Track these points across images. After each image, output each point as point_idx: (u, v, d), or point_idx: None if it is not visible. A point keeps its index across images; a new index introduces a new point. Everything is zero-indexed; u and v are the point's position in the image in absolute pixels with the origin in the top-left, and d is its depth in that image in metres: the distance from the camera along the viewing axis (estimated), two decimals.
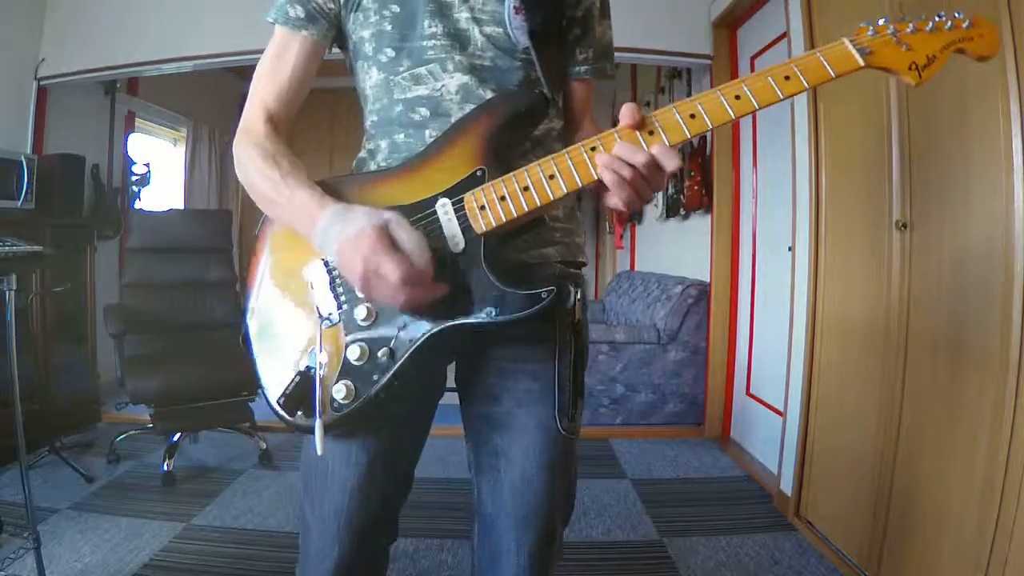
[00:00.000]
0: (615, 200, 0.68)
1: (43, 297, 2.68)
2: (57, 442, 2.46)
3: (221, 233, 3.01)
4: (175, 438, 2.40)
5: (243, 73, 5.01)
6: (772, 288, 2.58)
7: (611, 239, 4.97)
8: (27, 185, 2.62)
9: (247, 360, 0.79)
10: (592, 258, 5.59)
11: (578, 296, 0.82)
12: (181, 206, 4.59)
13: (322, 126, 4.92)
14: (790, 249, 2.21)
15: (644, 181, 0.66)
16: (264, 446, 2.55)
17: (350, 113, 4.64)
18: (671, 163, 0.65)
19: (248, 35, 2.65)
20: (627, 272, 4.39)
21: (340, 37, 0.84)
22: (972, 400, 1.31)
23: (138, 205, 3.92)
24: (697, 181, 3.04)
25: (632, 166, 0.66)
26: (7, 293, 1.54)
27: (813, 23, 1.98)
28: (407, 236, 0.67)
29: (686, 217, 3.40)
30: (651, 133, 0.67)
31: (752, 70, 2.73)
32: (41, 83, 2.96)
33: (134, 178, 3.87)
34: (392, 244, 0.66)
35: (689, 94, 3.23)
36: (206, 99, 4.87)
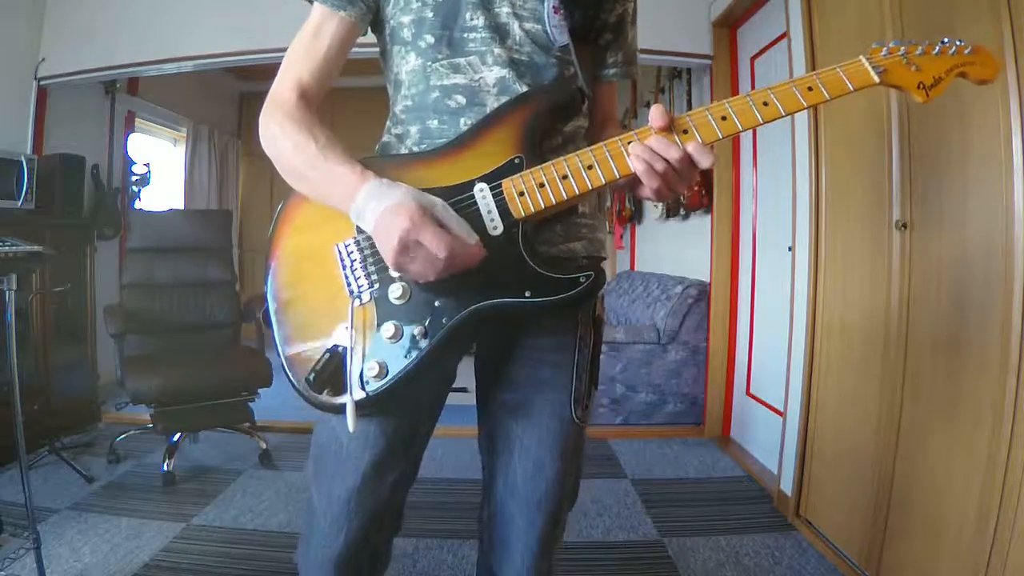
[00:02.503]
0: (647, 191, 0.71)
1: (43, 297, 2.68)
2: (57, 442, 2.46)
3: (221, 233, 3.00)
4: (175, 438, 2.40)
5: (243, 73, 5.02)
6: (772, 288, 2.58)
7: (611, 239, 4.97)
8: (27, 185, 2.62)
9: (269, 336, 0.78)
10: None
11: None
12: (181, 206, 4.59)
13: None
14: (790, 249, 2.21)
15: (676, 175, 0.69)
16: (264, 446, 2.55)
17: (350, 113, 4.65)
18: (705, 160, 0.68)
19: (248, 35, 2.63)
20: (627, 272, 4.39)
21: (376, 21, 0.85)
22: (972, 400, 1.31)
23: (138, 205, 3.92)
24: (697, 181, 3.04)
25: (665, 160, 0.68)
26: (7, 293, 1.54)
27: (813, 23, 1.97)
28: (455, 221, 0.69)
29: (686, 217, 3.40)
30: (685, 132, 0.70)
31: (752, 70, 2.73)
32: (41, 83, 2.96)
33: (134, 178, 3.87)
34: (434, 219, 0.67)
35: (689, 94, 3.25)
36: (206, 99, 4.87)
